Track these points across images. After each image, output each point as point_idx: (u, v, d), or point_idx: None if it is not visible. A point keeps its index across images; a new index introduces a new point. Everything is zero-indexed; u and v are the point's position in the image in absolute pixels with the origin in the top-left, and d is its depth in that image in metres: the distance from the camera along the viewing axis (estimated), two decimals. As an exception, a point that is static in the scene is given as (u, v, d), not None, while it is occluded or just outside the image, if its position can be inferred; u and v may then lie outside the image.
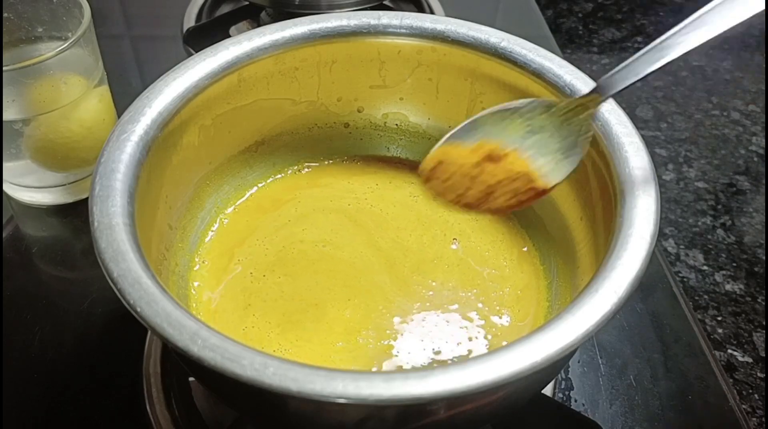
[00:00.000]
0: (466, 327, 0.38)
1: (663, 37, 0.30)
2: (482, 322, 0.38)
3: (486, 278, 0.40)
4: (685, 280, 0.57)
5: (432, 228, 0.43)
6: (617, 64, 0.32)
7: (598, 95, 0.32)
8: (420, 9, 0.71)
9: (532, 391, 0.34)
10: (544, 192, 0.32)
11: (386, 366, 0.36)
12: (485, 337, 0.37)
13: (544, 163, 0.32)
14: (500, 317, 0.38)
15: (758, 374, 0.50)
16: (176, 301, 0.28)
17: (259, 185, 0.45)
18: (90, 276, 0.48)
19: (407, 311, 0.38)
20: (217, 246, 0.42)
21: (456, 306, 0.39)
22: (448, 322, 0.38)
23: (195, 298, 0.39)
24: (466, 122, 0.33)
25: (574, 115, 0.32)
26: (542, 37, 0.70)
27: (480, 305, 0.39)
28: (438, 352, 0.37)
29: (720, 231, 0.61)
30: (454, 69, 0.41)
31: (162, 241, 0.36)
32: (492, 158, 0.32)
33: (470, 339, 0.37)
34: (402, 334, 0.37)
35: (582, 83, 0.37)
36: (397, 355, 0.36)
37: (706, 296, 0.56)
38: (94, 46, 0.47)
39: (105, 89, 0.49)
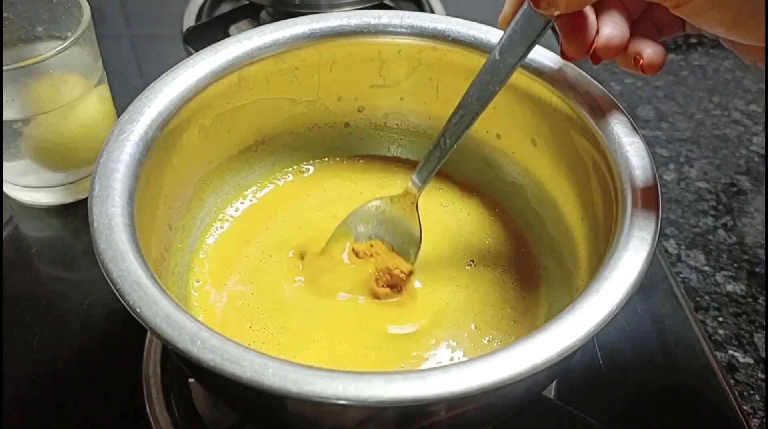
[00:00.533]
0: (452, 347, 0.37)
1: (439, 133, 0.36)
2: (470, 343, 0.37)
3: (490, 303, 0.39)
4: (686, 280, 0.57)
5: (453, 244, 0.42)
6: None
7: (414, 189, 0.39)
8: (420, 8, 0.71)
9: (533, 392, 0.34)
10: (410, 273, 0.39)
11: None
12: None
13: (399, 244, 0.40)
14: (487, 341, 0.38)
15: (759, 375, 0.50)
16: (176, 302, 0.28)
17: (261, 183, 0.45)
18: (90, 276, 0.47)
19: (400, 324, 0.38)
20: (234, 224, 0.43)
21: (451, 327, 0.38)
22: (435, 340, 0.37)
23: (199, 283, 0.39)
24: (332, 235, 0.40)
25: (404, 205, 0.39)
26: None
27: (473, 327, 0.38)
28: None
29: (721, 231, 0.61)
30: (455, 68, 0.41)
31: (162, 242, 0.36)
32: (360, 254, 0.39)
33: (452, 359, 0.37)
34: (383, 347, 0.37)
35: (584, 82, 0.37)
36: (372, 361, 0.36)
37: (707, 297, 0.55)
38: (93, 45, 0.47)
39: (105, 89, 0.49)
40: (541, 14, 0.31)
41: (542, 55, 0.38)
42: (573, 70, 0.37)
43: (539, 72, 0.38)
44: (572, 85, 0.37)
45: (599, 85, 0.37)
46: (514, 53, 0.33)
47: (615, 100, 0.36)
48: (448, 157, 0.37)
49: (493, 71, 0.34)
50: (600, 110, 0.35)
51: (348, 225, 0.40)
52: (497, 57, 0.34)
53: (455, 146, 0.36)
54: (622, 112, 0.35)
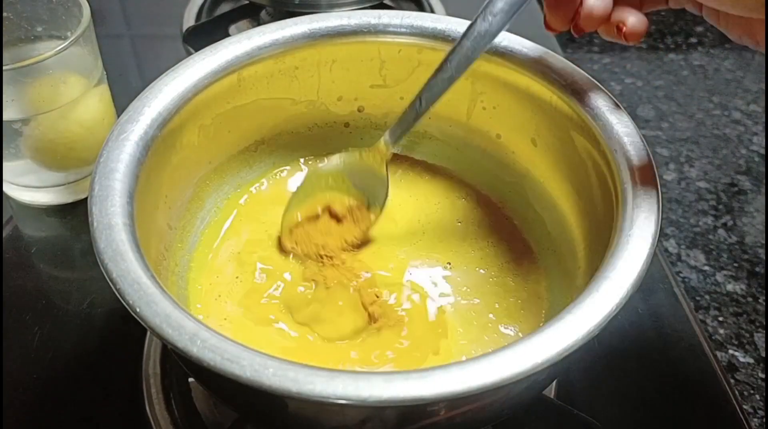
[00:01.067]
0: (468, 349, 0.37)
1: (416, 95, 0.37)
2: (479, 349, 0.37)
3: (491, 305, 0.39)
4: (686, 280, 0.57)
5: (454, 244, 0.42)
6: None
7: (385, 146, 0.39)
8: (421, 8, 0.71)
9: (533, 392, 0.34)
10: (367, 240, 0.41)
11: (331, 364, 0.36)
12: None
13: (368, 193, 0.41)
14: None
15: (759, 375, 0.50)
16: (176, 302, 0.28)
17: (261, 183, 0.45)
18: (90, 276, 0.47)
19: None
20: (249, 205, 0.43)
21: (459, 330, 0.38)
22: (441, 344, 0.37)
23: (199, 285, 0.39)
24: (299, 188, 0.42)
25: (374, 160, 0.40)
26: (543, 36, 0.70)
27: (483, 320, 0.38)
28: (389, 362, 0.36)
29: (721, 231, 0.61)
30: (455, 68, 0.41)
31: (161, 241, 0.36)
32: (331, 211, 0.41)
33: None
34: (366, 339, 0.37)
35: (584, 81, 0.37)
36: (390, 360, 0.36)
37: (707, 296, 0.55)
38: (93, 45, 0.47)
39: (104, 89, 0.49)
40: None
41: (542, 55, 0.38)
42: (573, 69, 0.37)
43: (539, 72, 0.38)
44: (572, 85, 0.37)
45: (599, 85, 0.37)
46: (495, 22, 0.34)
47: (615, 99, 0.36)
48: (421, 119, 0.37)
49: (474, 39, 0.35)
50: (600, 110, 0.35)
51: (317, 175, 0.41)
52: (478, 25, 0.34)
53: (429, 109, 0.37)
54: (623, 112, 0.35)
